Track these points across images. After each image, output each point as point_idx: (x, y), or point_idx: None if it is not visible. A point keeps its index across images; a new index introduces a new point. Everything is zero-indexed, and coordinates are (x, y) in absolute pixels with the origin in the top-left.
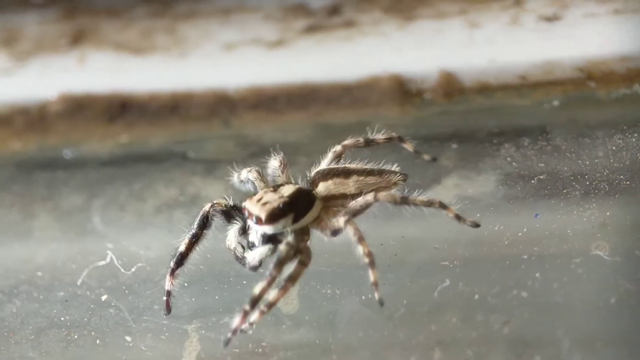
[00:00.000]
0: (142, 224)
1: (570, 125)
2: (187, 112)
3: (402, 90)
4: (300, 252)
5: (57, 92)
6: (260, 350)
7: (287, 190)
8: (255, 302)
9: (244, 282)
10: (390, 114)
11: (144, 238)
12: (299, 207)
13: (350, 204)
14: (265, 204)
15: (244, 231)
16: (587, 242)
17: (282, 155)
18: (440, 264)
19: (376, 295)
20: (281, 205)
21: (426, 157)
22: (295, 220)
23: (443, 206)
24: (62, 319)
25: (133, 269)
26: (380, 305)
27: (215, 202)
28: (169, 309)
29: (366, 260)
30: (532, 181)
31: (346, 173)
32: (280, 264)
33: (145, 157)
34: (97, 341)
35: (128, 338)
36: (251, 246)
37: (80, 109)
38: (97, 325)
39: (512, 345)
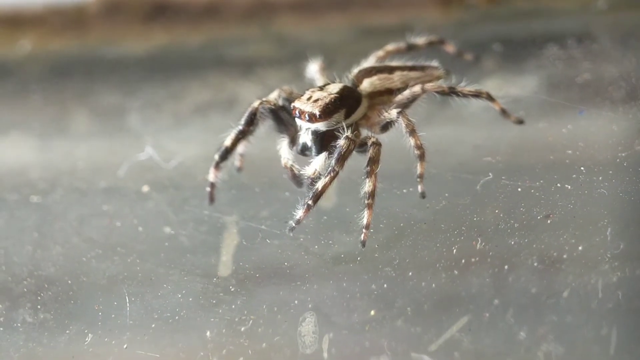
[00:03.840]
0: (179, 123)
1: (615, 26)
2: (226, 14)
3: None
4: (365, 141)
5: None
6: (301, 239)
7: (334, 87)
8: (318, 197)
9: (284, 175)
10: (432, 16)
11: (181, 137)
12: (349, 102)
13: (397, 97)
14: (316, 100)
15: (293, 142)
16: (632, 138)
17: (320, 59)
18: (482, 159)
19: (419, 188)
20: (333, 99)
21: (468, 56)
22: (347, 115)
23: (490, 98)
24: (104, 208)
25: (172, 163)
26: (422, 197)
27: (264, 99)
28: (212, 199)
29: (417, 152)
30: (577, 79)
31: (390, 69)
32: (342, 158)
33: (183, 58)
34: (140, 229)
35: (168, 228)
36: (303, 149)
37: (119, 9)
38: (139, 214)
39: (555, 236)
